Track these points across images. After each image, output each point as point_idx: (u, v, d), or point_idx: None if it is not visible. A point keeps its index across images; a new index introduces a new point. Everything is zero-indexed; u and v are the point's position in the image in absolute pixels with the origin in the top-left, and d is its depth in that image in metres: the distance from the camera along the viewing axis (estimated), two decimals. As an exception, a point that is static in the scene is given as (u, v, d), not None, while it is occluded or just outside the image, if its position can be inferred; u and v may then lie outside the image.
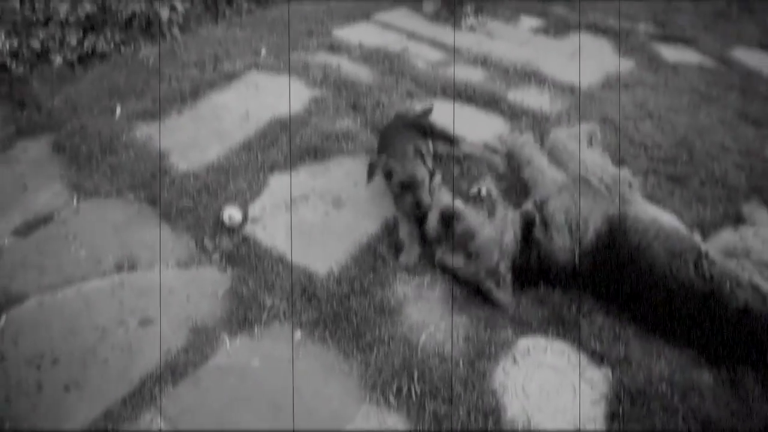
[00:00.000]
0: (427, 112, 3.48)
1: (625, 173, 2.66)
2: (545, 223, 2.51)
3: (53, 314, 2.41)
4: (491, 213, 2.60)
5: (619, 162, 3.20)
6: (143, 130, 3.56)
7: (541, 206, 2.59)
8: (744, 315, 2.17)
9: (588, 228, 2.46)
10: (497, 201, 2.69)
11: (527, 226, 2.54)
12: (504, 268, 2.47)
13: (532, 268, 2.50)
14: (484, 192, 2.73)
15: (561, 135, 3.14)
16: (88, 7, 4.21)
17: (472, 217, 2.56)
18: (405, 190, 2.73)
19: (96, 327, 2.35)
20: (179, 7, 4.55)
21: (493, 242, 2.49)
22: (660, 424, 2.04)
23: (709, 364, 2.26)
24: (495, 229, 2.52)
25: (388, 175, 2.82)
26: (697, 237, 2.48)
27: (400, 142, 2.96)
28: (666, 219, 2.53)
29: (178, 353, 2.27)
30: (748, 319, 2.17)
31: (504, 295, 2.45)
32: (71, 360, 2.22)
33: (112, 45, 4.35)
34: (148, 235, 2.84)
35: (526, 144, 3.18)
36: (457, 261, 2.52)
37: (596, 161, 2.67)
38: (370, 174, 2.86)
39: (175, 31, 4.61)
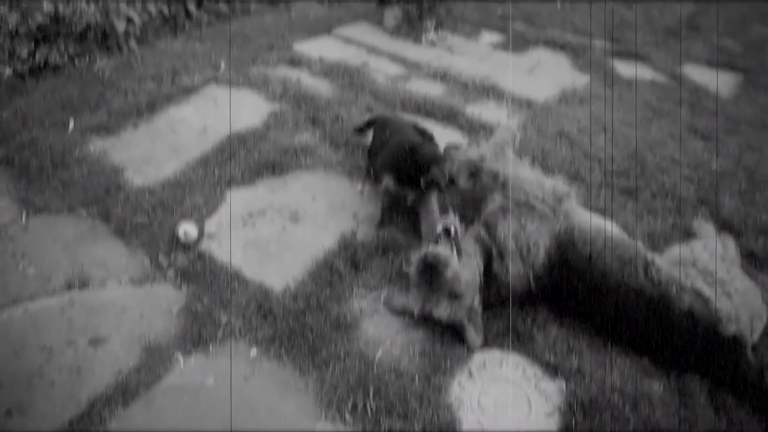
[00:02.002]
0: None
1: (559, 185, 2.66)
2: (501, 255, 2.51)
3: (-3, 335, 2.32)
4: (459, 252, 2.48)
5: (569, 173, 3.26)
6: (97, 145, 3.49)
7: (490, 230, 2.57)
8: (689, 318, 2.24)
9: (539, 251, 2.47)
10: (460, 238, 2.58)
11: (487, 259, 2.53)
12: (477, 303, 2.44)
13: (492, 299, 2.51)
14: (452, 231, 2.54)
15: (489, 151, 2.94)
16: (39, 18, 4.11)
17: (455, 261, 2.43)
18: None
19: (43, 347, 2.27)
20: (136, 19, 4.49)
21: (472, 282, 2.44)
22: (611, 433, 2.08)
23: (659, 373, 2.32)
24: (470, 269, 2.46)
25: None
26: (640, 244, 2.53)
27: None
28: (608, 227, 2.57)
29: (129, 373, 2.21)
30: (692, 323, 2.24)
31: (478, 335, 2.40)
32: (15, 383, 2.14)
33: (65, 57, 4.25)
34: (100, 252, 2.77)
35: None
36: (442, 307, 2.42)
37: (531, 178, 2.66)
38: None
39: (132, 43, 4.54)
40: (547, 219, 2.52)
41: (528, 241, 2.48)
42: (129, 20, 4.44)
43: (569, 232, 2.47)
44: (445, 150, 2.87)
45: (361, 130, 3.55)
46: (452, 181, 2.74)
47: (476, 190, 2.69)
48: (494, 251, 2.51)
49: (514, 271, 2.48)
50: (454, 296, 2.38)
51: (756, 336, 2.34)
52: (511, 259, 2.48)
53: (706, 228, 3.01)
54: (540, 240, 2.48)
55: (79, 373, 2.20)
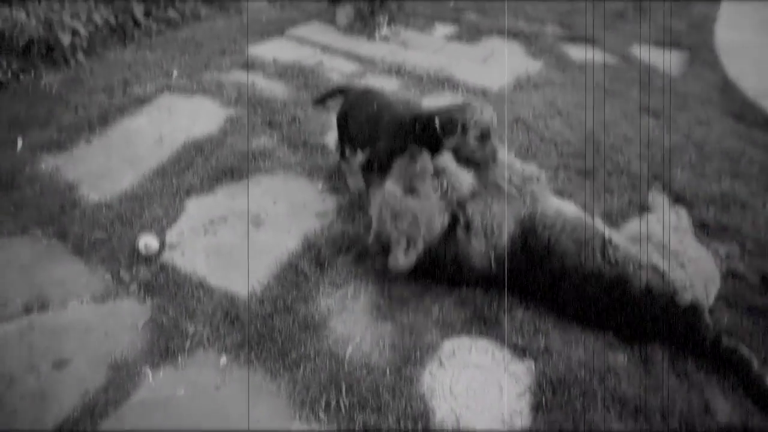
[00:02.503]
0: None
1: (532, 169, 2.73)
2: (468, 226, 2.55)
3: (-47, 366, 2.25)
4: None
5: (526, 158, 3.30)
6: (49, 162, 3.40)
7: (463, 206, 2.61)
8: (647, 294, 2.31)
9: (502, 233, 2.51)
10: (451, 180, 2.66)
11: (453, 220, 2.56)
12: (422, 240, 2.50)
13: (447, 265, 2.54)
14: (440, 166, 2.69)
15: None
16: (-22, 35, 4.00)
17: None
18: None
19: (2, 376, 2.21)
20: (82, 31, 4.39)
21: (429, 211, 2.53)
22: (580, 407, 2.12)
23: (624, 345, 2.39)
24: (432, 205, 2.54)
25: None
26: (599, 223, 2.58)
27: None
28: (570, 209, 2.63)
29: (97, 392, 2.17)
30: (650, 298, 2.31)
31: (402, 259, 2.46)
32: (-26, 415, 2.08)
33: (9, 73, 4.12)
34: (59, 272, 2.71)
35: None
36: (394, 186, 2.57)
37: (503, 160, 2.74)
38: None
39: (80, 56, 4.43)
40: (514, 200, 2.56)
41: (492, 222, 2.51)
42: (74, 32, 4.34)
43: (532, 219, 2.51)
44: (465, 109, 2.74)
45: (322, 101, 3.52)
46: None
47: (480, 156, 2.67)
48: (461, 218, 2.54)
49: (477, 248, 2.51)
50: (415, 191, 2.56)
51: (711, 299, 2.44)
52: (476, 235, 2.51)
53: (660, 201, 3.10)
54: (504, 223, 2.52)
55: (44, 398, 2.15)
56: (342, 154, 3.28)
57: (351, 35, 5.46)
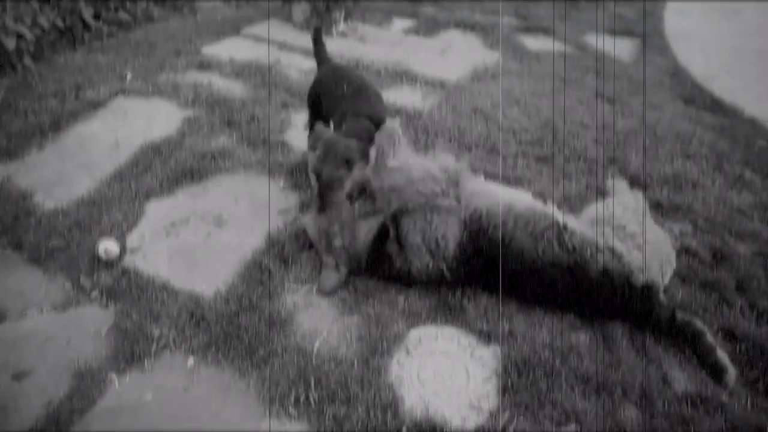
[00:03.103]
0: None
1: (448, 161, 2.68)
2: (399, 242, 2.55)
3: None
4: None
5: (485, 146, 3.35)
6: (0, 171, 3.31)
7: (396, 220, 2.60)
8: (604, 275, 2.37)
9: (448, 244, 2.50)
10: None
11: (381, 234, 2.60)
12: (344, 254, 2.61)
13: (385, 273, 2.61)
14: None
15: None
16: None
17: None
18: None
19: (-40, 390, 2.15)
20: (28, 35, 4.25)
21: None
22: (545, 387, 2.18)
23: (585, 325, 2.45)
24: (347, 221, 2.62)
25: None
26: (553, 210, 2.59)
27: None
28: (518, 198, 2.61)
29: (60, 402, 2.13)
30: (608, 279, 2.37)
31: (332, 277, 2.59)
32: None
33: (-48, 82, 3.99)
34: (15, 283, 2.64)
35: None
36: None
37: (420, 168, 2.63)
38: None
39: (27, 60, 4.30)
40: (454, 211, 2.53)
41: (436, 235, 2.50)
42: (20, 36, 4.20)
43: (477, 219, 2.48)
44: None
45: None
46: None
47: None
48: (391, 232, 2.58)
49: (418, 265, 2.53)
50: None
51: (667, 279, 2.51)
52: (415, 253, 2.52)
53: (618, 184, 3.18)
54: (449, 232, 2.50)
55: (5, 411, 2.09)
56: (311, 129, 3.25)
57: (308, 32, 5.39)
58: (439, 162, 2.69)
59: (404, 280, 2.58)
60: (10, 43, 4.07)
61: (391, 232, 2.58)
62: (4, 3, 4.34)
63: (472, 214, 2.50)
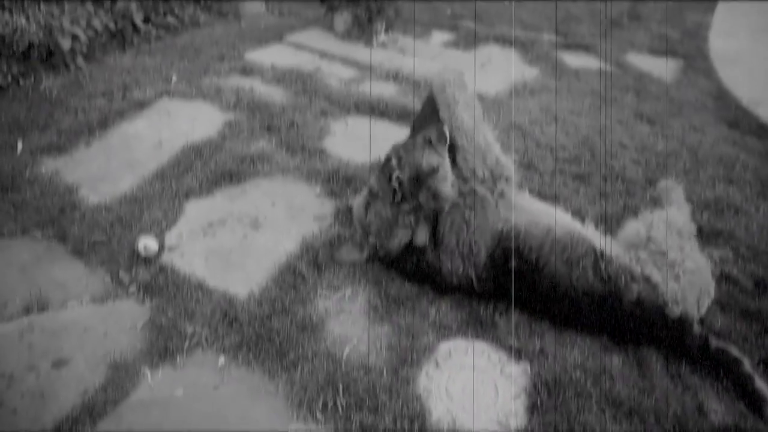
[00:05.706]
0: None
1: (503, 159, 2.63)
2: (435, 242, 2.53)
3: (-47, 366, 2.26)
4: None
5: (522, 163, 3.33)
6: (49, 165, 3.42)
7: (435, 219, 2.57)
8: (637, 306, 2.31)
9: (480, 251, 2.48)
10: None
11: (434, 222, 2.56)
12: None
13: (420, 271, 2.59)
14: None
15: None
16: (-23, 39, 4.02)
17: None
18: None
19: (2, 375, 2.22)
20: (82, 36, 4.41)
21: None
22: (575, 408, 2.15)
23: (618, 348, 2.41)
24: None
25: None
26: (592, 234, 2.55)
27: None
28: (560, 219, 2.56)
29: (96, 392, 2.19)
30: (641, 309, 2.31)
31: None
32: (-26, 414, 2.09)
33: (9, 77, 4.14)
34: (59, 273, 2.72)
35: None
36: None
37: (480, 141, 2.61)
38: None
39: (80, 60, 4.46)
40: (488, 204, 2.51)
41: (470, 240, 2.48)
42: (74, 37, 4.36)
43: (515, 237, 2.43)
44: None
45: None
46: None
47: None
48: (429, 228, 2.56)
49: (449, 267, 2.51)
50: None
51: (703, 310, 2.43)
52: (449, 256, 2.51)
53: (674, 192, 2.94)
54: (481, 240, 2.48)
55: (43, 397, 2.16)
56: None
57: (349, 41, 5.50)
58: (495, 147, 2.69)
59: (433, 279, 2.56)
60: (66, 44, 4.23)
61: (429, 228, 2.55)
62: (62, 5, 4.52)
63: (508, 229, 2.47)
